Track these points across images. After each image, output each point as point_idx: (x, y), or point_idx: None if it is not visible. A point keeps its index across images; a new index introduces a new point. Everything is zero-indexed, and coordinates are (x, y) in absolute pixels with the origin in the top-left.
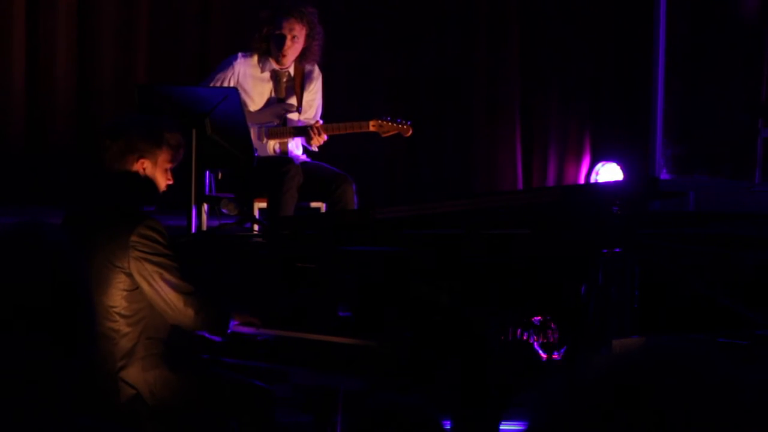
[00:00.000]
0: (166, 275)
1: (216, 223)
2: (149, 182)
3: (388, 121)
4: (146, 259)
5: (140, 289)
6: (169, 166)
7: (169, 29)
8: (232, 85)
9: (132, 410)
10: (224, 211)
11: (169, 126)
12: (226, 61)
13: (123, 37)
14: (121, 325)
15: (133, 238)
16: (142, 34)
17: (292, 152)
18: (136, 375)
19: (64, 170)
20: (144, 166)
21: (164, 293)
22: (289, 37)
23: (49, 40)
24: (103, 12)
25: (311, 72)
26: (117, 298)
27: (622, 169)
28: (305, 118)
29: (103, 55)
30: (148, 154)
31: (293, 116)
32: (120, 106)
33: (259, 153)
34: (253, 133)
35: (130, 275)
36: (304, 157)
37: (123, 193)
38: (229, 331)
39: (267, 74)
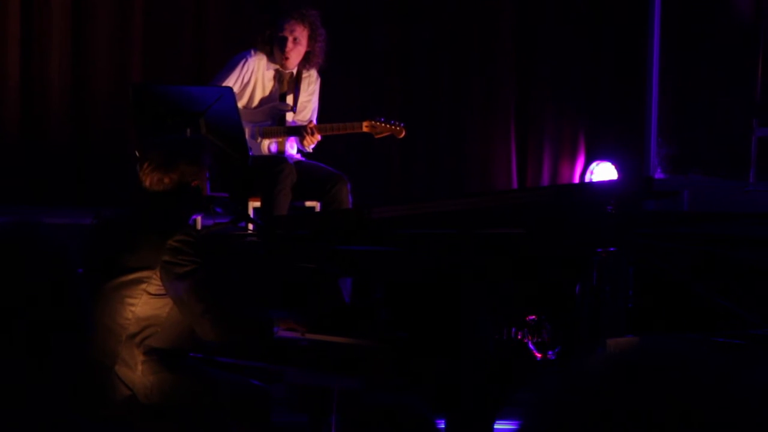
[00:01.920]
0: (193, 285)
1: (210, 222)
2: (197, 191)
3: (381, 122)
4: (176, 264)
5: (165, 298)
6: (207, 174)
7: (164, 28)
8: (244, 81)
9: (126, 409)
10: (218, 210)
11: (205, 144)
12: (240, 56)
13: (118, 35)
14: (132, 325)
15: (169, 242)
16: (137, 33)
17: (286, 151)
18: (134, 378)
19: (60, 170)
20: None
21: (186, 304)
22: (290, 39)
23: (44, 40)
24: (98, 11)
25: (310, 75)
26: (139, 297)
27: (616, 168)
28: (299, 120)
29: (99, 54)
30: (197, 176)
31: (288, 116)
32: (115, 106)
33: (254, 152)
34: (247, 132)
35: (157, 279)
36: (298, 156)
37: (177, 204)
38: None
39: (272, 73)
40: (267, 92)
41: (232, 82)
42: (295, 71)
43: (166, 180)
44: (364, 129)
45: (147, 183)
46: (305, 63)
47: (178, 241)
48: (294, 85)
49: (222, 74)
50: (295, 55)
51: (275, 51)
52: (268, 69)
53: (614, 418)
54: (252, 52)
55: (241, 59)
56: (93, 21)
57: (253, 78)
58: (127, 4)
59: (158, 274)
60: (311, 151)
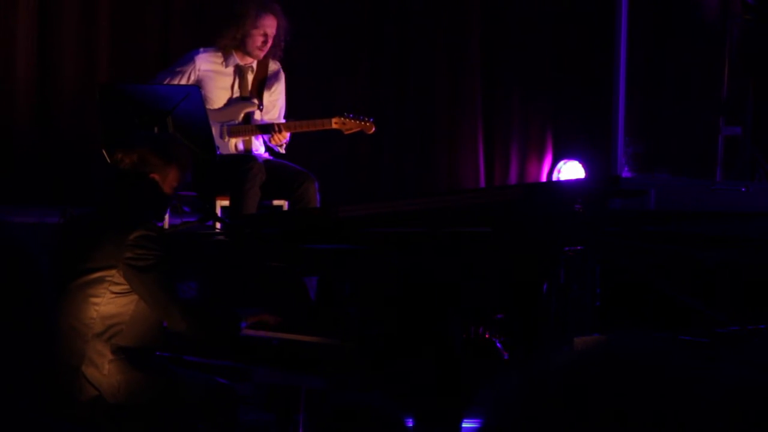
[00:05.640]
0: (158, 276)
1: (178, 221)
2: (153, 184)
3: (350, 118)
4: (138, 258)
5: (128, 296)
6: (175, 185)
7: (131, 25)
8: (191, 79)
9: (92, 410)
10: (186, 209)
11: (180, 146)
12: (187, 56)
13: (84, 34)
14: (97, 324)
15: (131, 238)
16: (104, 31)
17: (255, 150)
18: (101, 378)
19: (25, 168)
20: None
21: (154, 296)
22: (269, 35)
23: (9, 40)
24: (64, 10)
25: (276, 72)
26: (103, 296)
27: (583, 167)
28: (268, 119)
29: (65, 53)
30: (158, 170)
31: (256, 115)
32: (82, 105)
33: (222, 151)
34: (215, 131)
35: (120, 275)
36: (266, 155)
37: (133, 198)
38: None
39: (230, 69)
40: (227, 90)
41: (176, 81)
42: (255, 66)
43: (126, 160)
44: (333, 125)
45: (111, 159)
46: (267, 55)
47: (138, 237)
48: (257, 81)
49: (166, 72)
50: (266, 49)
51: (249, 45)
52: (227, 65)
53: (579, 416)
54: (200, 50)
55: (187, 58)
56: (59, 21)
57: (201, 76)
58: (93, 2)
59: (121, 272)
60: (283, 151)
